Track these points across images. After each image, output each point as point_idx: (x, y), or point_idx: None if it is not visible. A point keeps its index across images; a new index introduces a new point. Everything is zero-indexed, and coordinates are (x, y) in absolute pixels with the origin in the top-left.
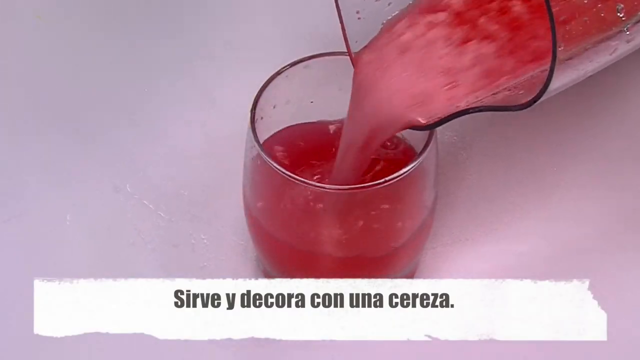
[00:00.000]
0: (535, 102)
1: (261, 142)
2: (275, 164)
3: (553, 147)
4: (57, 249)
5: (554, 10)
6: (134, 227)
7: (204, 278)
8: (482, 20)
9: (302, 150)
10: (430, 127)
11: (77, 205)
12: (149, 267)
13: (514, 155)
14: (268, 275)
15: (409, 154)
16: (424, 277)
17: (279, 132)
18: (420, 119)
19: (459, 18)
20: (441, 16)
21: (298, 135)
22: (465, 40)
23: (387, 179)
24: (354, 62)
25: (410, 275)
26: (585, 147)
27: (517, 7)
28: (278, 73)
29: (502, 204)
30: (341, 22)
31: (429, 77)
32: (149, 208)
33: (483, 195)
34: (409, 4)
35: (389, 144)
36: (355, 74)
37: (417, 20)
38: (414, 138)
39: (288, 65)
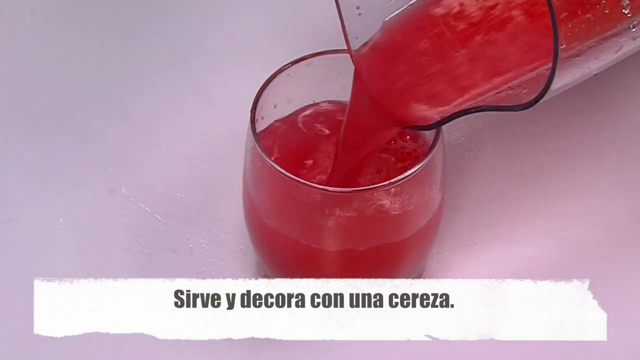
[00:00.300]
0: (537, 101)
1: (262, 142)
2: (277, 166)
3: (563, 148)
4: (50, 254)
5: (555, 7)
6: (129, 232)
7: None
8: (485, 18)
9: (304, 140)
10: (432, 127)
11: (71, 208)
12: (146, 273)
13: (523, 156)
14: (268, 278)
15: (426, 149)
16: None
17: (276, 122)
18: (423, 119)
19: (462, 16)
20: (444, 15)
21: (298, 126)
22: (468, 38)
23: (391, 181)
24: (354, 59)
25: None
26: (597, 148)
27: (522, 5)
28: (279, 71)
29: (511, 207)
30: (341, 18)
31: (431, 76)
32: (146, 211)
33: (491, 197)
34: (412, 2)
35: (408, 137)
36: (355, 72)
37: (419, 19)
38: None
39: (289, 63)
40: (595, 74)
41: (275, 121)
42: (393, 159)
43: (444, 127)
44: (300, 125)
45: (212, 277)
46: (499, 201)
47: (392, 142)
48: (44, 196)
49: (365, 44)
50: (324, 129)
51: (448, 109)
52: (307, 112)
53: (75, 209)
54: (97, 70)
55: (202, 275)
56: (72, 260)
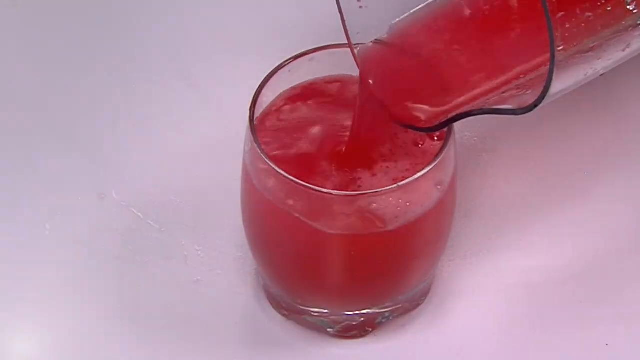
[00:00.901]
0: (536, 105)
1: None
2: (278, 169)
3: (582, 149)
4: (36, 262)
5: (550, 7)
6: (120, 238)
7: (198, 293)
8: (493, 16)
9: (304, 131)
10: (434, 129)
11: (57, 213)
12: (138, 282)
13: (540, 158)
14: (268, 290)
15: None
16: (441, 293)
17: (271, 116)
18: (423, 120)
19: (469, 18)
20: (451, 18)
21: (295, 116)
22: (475, 37)
23: (399, 184)
24: (357, 57)
25: (426, 290)
26: (621, 150)
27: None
28: (280, 67)
29: (527, 212)
30: (340, 12)
31: (434, 77)
32: (137, 216)
33: (506, 201)
34: (419, 7)
35: (436, 137)
36: (360, 72)
37: (427, 23)
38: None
39: (291, 58)
40: (603, 74)
41: (270, 114)
42: (414, 157)
43: (455, 127)
44: (297, 115)
45: (208, 287)
46: (514, 206)
47: (420, 144)
48: (28, 200)
49: (372, 43)
50: (320, 114)
51: (451, 109)
52: (299, 98)
53: (62, 214)
54: (84, 67)
55: (197, 285)
56: (59, 268)
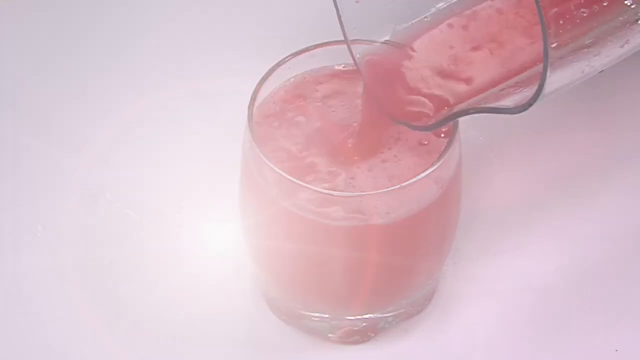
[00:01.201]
0: (531, 105)
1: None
2: (277, 168)
3: (592, 149)
4: (28, 265)
5: (543, 4)
6: (115, 240)
7: (195, 298)
8: (489, 18)
9: (303, 127)
10: (431, 128)
11: (50, 215)
12: (134, 285)
13: (547, 159)
14: (268, 295)
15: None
16: (445, 297)
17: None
18: (420, 118)
19: (470, 19)
20: (453, 20)
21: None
22: (473, 39)
23: (402, 185)
24: (361, 58)
25: (430, 294)
26: (627, 151)
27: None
28: (279, 64)
29: (534, 215)
30: (336, 7)
31: (433, 75)
32: (133, 218)
33: (512, 204)
34: (424, 17)
35: (442, 134)
36: (362, 70)
37: (428, 26)
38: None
39: (291, 54)
40: (602, 71)
41: (269, 112)
42: (416, 155)
43: (461, 126)
44: (297, 112)
45: (206, 291)
46: (520, 207)
47: (425, 142)
48: (21, 201)
49: (374, 43)
50: (320, 110)
51: (448, 107)
52: (299, 94)
53: (55, 216)
54: (80, 65)
55: (195, 288)
56: (52, 272)
